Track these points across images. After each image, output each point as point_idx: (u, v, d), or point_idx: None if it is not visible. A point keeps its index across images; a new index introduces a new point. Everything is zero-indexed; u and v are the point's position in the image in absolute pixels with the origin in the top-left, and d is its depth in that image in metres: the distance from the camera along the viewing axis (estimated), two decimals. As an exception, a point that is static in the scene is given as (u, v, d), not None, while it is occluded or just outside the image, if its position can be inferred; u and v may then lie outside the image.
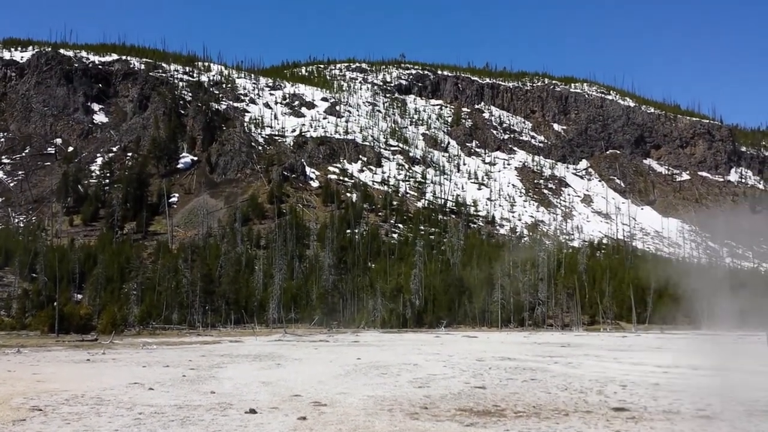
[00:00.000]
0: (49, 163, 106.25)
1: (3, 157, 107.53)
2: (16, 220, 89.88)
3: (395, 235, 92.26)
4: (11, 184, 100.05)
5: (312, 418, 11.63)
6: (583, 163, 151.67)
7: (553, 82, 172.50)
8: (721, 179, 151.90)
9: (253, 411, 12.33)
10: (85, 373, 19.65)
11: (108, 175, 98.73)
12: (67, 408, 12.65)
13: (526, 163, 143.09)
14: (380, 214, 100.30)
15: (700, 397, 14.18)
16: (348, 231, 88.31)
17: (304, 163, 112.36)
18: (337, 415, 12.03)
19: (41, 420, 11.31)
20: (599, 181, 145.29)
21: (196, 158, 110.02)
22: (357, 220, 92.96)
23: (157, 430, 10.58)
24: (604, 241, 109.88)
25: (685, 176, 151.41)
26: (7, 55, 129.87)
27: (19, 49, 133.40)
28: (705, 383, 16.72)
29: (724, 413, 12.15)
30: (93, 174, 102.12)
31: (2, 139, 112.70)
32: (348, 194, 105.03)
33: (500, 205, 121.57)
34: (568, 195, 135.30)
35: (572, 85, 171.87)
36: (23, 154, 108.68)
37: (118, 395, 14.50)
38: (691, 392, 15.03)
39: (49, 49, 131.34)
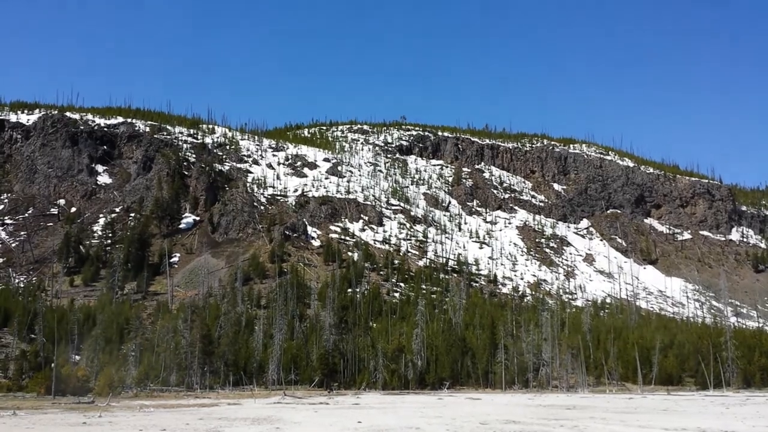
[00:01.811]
0: (51, 224, 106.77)
1: (6, 217, 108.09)
2: (17, 281, 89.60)
3: (397, 294, 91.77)
4: (13, 245, 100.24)
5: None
6: (584, 223, 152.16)
7: (552, 142, 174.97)
8: (723, 238, 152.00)
9: (251, 477, 12.05)
10: (81, 437, 19.26)
11: (110, 235, 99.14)
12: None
13: (527, 222, 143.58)
14: (382, 273, 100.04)
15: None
16: (349, 290, 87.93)
17: (306, 223, 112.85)
18: (336, 482, 11.75)
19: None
20: (600, 240, 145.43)
21: (198, 218, 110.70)
22: (358, 279, 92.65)
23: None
24: (608, 300, 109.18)
25: (687, 235, 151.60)
26: (13, 117, 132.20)
27: (26, 111, 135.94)
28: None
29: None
30: (95, 234, 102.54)
31: (6, 200, 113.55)
32: (349, 253, 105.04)
33: (502, 264, 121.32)
34: (570, 254, 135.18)
35: (571, 145, 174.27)
36: (26, 214, 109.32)
37: (113, 461, 14.20)
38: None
39: (56, 111, 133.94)
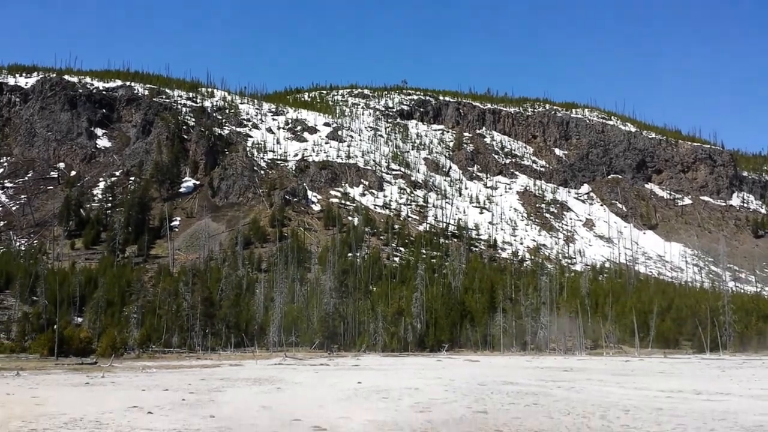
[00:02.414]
0: (51, 188, 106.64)
1: (6, 181, 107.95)
2: (18, 244, 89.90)
3: (397, 259, 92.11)
4: (14, 208, 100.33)
5: (312, 442, 11.52)
6: (585, 188, 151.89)
7: (554, 107, 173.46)
8: (723, 204, 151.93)
9: (252, 435, 12.23)
10: (84, 396, 19.52)
11: (110, 199, 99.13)
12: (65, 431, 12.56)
13: (527, 188, 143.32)
14: (382, 237, 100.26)
15: (704, 422, 14.05)
16: (349, 254, 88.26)
17: (306, 187, 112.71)
18: (337, 439, 11.92)
19: (39, 443, 11.22)
20: (601, 205, 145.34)
21: (198, 182, 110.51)
22: (358, 244, 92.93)
23: (156, 453, 10.49)
24: (607, 265, 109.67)
25: (687, 201, 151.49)
26: (11, 80, 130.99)
27: (24, 75, 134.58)
28: (709, 407, 16.58)
29: (728, 438, 12.02)
30: (95, 198, 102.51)
31: (5, 164, 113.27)
32: (350, 218, 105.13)
33: (502, 229, 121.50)
34: (570, 219, 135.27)
35: (573, 110, 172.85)
36: (26, 178, 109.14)
37: (117, 419, 14.40)
38: (694, 417, 14.90)
39: (54, 75, 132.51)
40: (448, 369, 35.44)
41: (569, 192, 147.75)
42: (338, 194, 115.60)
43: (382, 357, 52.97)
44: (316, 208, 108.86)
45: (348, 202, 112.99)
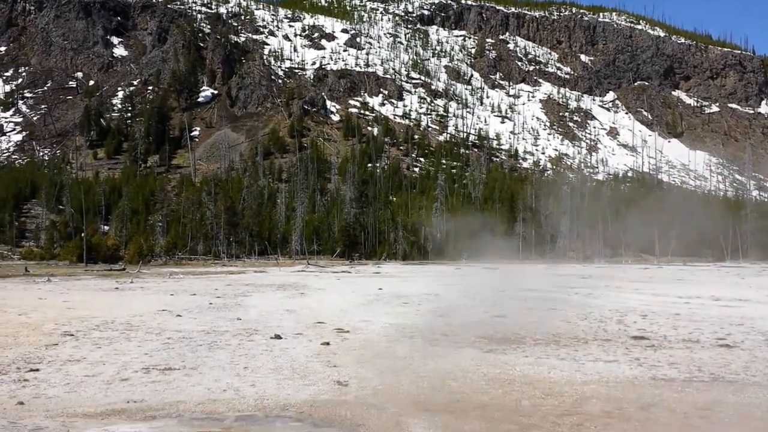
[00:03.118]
0: (71, 97, 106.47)
1: (25, 91, 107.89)
2: (41, 153, 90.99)
3: (417, 169, 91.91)
4: (35, 118, 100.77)
5: (335, 344, 11.89)
6: (610, 95, 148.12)
7: (581, 11, 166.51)
8: (751, 111, 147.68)
9: (278, 336, 12.62)
10: (114, 300, 20.20)
11: (129, 108, 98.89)
12: (97, 333, 13.06)
13: (551, 96, 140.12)
14: (402, 147, 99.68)
15: (721, 326, 14.21)
16: (369, 165, 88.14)
17: (325, 97, 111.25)
18: (359, 341, 12.28)
19: (73, 344, 11.70)
20: (626, 113, 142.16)
21: (216, 92, 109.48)
22: (378, 154, 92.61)
23: (186, 353, 10.90)
24: (630, 174, 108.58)
25: (715, 108, 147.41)
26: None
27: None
28: (726, 313, 16.73)
29: (744, 343, 12.18)
30: (114, 107, 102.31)
31: (24, 74, 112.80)
32: (369, 128, 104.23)
33: (524, 139, 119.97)
34: (594, 128, 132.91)
35: (600, 14, 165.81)
36: (45, 88, 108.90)
37: (146, 321, 14.92)
38: (711, 322, 15.07)
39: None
40: (468, 276, 36.00)
41: (594, 100, 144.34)
42: (357, 104, 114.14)
43: (402, 265, 53.87)
44: (335, 118, 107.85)
45: (367, 112, 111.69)
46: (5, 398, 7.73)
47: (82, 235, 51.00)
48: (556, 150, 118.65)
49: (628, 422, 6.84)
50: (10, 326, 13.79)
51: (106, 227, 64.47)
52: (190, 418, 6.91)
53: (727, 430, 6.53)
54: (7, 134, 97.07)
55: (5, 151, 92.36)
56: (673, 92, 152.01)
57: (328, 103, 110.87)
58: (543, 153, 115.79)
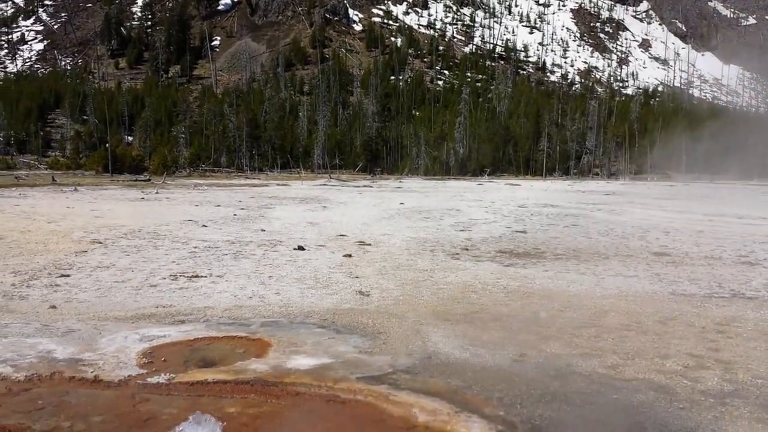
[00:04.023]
0: (90, 5, 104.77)
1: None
2: (63, 63, 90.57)
3: (440, 82, 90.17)
4: (55, 27, 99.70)
5: (357, 256, 12.05)
6: (644, 5, 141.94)
7: None
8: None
9: (301, 248, 12.81)
10: (141, 210, 20.55)
11: (149, 17, 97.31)
12: (125, 241, 13.36)
13: (582, 5, 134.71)
14: (425, 59, 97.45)
15: (744, 244, 14.12)
16: (392, 77, 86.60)
17: (347, 5, 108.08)
18: (381, 254, 12.42)
19: (102, 252, 11.99)
20: (659, 24, 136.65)
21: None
22: (401, 66, 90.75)
23: (212, 262, 11.14)
24: (660, 88, 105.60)
25: (752, 20, 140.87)
26: None
27: None
28: (750, 231, 16.60)
29: (767, 260, 12.11)
30: (135, 16, 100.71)
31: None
32: (392, 38, 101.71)
33: (552, 51, 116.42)
34: (626, 39, 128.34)
35: None
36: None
37: (173, 231, 15.20)
38: (734, 239, 14.97)
39: None
40: (489, 192, 35.93)
41: (626, 10, 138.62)
42: (380, 13, 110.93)
43: (424, 180, 53.81)
44: (358, 28, 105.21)
45: (391, 22, 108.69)
46: (38, 302, 8.02)
47: (107, 145, 51.40)
48: (585, 62, 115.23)
49: (646, 335, 6.93)
50: (40, 234, 14.15)
51: (130, 138, 64.87)
52: (218, 323, 7.13)
53: (744, 344, 6.60)
54: (29, 43, 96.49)
55: (27, 60, 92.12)
56: (709, 2, 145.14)
57: (351, 11, 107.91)
58: (572, 66, 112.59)
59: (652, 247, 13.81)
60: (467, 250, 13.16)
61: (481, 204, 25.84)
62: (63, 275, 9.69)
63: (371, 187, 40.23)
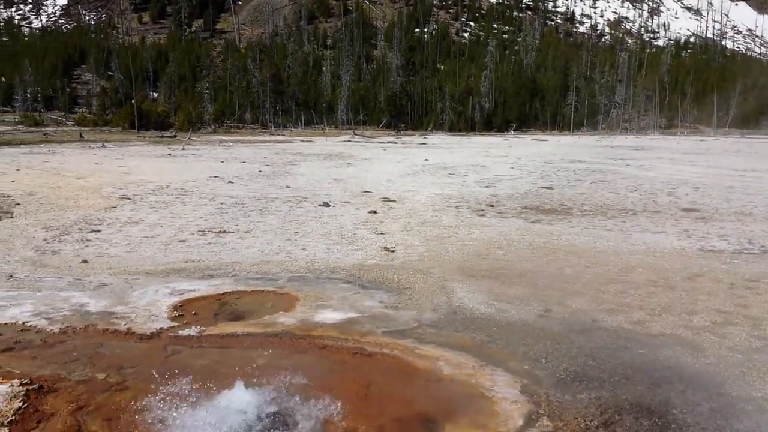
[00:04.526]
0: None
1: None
2: (87, 17, 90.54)
3: (466, 35, 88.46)
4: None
5: (382, 213, 12.08)
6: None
7: None
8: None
9: (326, 204, 12.88)
10: (168, 167, 20.75)
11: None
12: (153, 197, 13.54)
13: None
14: (451, 11, 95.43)
15: (777, 200, 13.87)
16: (416, 30, 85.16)
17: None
18: (405, 210, 12.44)
19: (131, 207, 12.18)
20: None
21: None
22: (426, 18, 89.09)
23: (239, 218, 11.26)
24: (692, 39, 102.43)
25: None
26: None
27: None
28: (783, 188, 16.28)
29: (800, 217, 11.89)
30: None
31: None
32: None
33: (581, 0, 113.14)
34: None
35: None
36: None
37: (200, 187, 15.35)
38: (766, 195, 14.70)
39: None
40: (515, 148, 35.55)
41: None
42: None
43: (448, 136, 53.37)
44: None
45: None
46: (70, 257, 8.21)
47: (132, 101, 51.62)
48: (615, 13, 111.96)
49: (673, 291, 6.89)
50: (70, 190, 14.39)
51: (155, 94, 65.03)
52: (246, 277, 7.25)
53: (773, 302, 6.53)
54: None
55: (52, 16, 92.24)
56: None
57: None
58: (601, 16, 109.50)
59: (681, 203, 13.62)
60: (492, 206, 13.11)
61: (507, 160, 25.62)
62: (93, 230, 9.88)
63: (395, 143, 40.04)
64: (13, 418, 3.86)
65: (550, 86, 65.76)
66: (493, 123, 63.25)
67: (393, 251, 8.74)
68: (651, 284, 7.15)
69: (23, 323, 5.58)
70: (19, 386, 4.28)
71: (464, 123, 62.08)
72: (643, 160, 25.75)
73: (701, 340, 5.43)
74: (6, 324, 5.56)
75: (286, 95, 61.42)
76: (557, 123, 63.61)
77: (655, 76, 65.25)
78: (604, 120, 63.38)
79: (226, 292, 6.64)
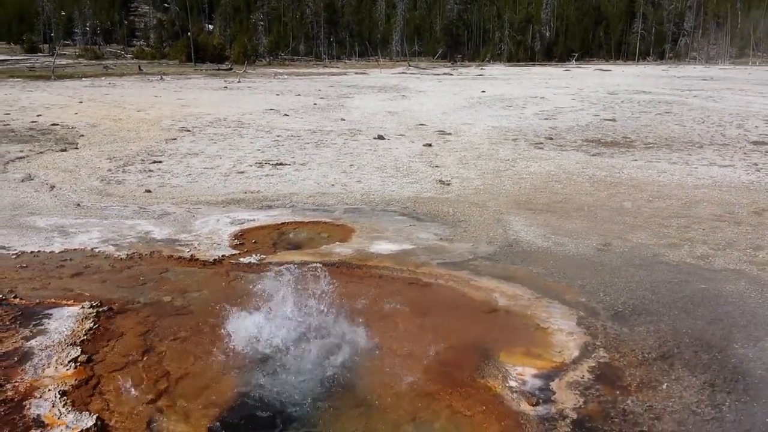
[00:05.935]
0: None
1: None
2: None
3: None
4: None
5: (437, 146, 11.97)
6: None
7: None
8: None
9: (381, 137, 12.83)
10: (224, 99, 20.94)
11: None
12: (212, 129, 13.75)
13: None
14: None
15: None
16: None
17: None
18: (461, 143, 12.28)
19: (190, 139, 12.41)
20: None
21: None
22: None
23: (295, 150, 11.35)
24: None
25: None
26: None
27: None
28: None
29: None
30: None
31: None
32: None
33: None
34: None
35: None
36: None
37: (256, 120, 15.49)
38: None
39: None
40: (577, 78, 34.37)
41: None
42: None
43: (507, 67, 51.89)
44: None
45: None
46: (134, 186, 8.48)
47: (189, 34, 51.86)
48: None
49: (739, 226, 6.66)
50: (131, 122, 14.74)
51: (210, 26, 65.16)
52: (303, 208, 7.35)
53: None
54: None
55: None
56: None
57: None
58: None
59: (751, 136, 13.02)
60: (551, 139, 12.81)
61: (568, 91, 24.83)
62: (155, 161, 10.14)
63: (451, 74, 39.23)
64: (85, 337, 4.09)
65: (614, 13, 62.73)
66: (554, 53, 61.09)
67: (448, 184, 8.69)
68: (716, 219, 6.92)
69: (92, 249, 5.84)
70: (89, 308, 4.51)
71: (523, 53, 60.18)
72: (712, 91, 24.56)
73: (766, 275, 5.27)
74: (75, 249, 5.82)
75: (340, 26, 60.61)
76: (622, 52, 60.96)
77: (727, 2, 61.36)
78: (672, 49, 60.33)
79: (284, 223, 6.76)
